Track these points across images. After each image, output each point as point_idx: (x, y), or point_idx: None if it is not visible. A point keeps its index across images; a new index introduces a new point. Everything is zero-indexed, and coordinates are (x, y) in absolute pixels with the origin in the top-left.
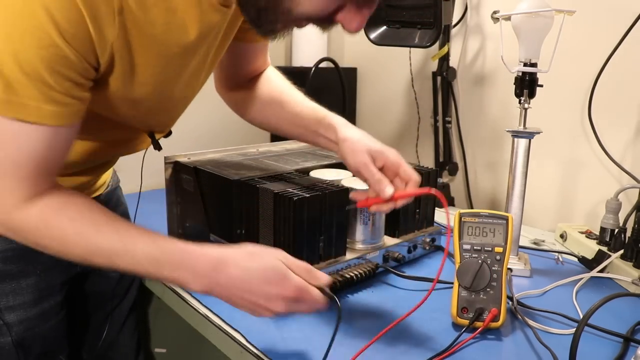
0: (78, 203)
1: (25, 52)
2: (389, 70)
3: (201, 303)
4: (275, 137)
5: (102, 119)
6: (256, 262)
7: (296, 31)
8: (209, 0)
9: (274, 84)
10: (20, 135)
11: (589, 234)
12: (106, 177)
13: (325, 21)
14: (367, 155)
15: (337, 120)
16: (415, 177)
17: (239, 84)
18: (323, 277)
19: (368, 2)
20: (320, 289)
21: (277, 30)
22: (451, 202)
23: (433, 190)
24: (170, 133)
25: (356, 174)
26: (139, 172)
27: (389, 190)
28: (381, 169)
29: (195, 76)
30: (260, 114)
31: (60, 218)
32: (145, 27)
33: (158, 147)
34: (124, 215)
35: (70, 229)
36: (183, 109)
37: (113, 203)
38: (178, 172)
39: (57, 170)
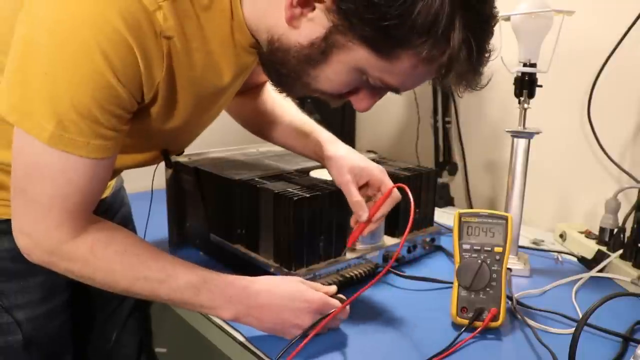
0: (123, 237)
1: (82, 94)
2: None
3: None
4: None
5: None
6: (281, 286)
7: None
8: (241, 44)
9: (268, 93)
10: (69, 169)
11: (588, 234)
12: (112, 180)
13: (337, 98)
14: (350, 174)
15: (325, 137)
16: (396, 195)
17: (240, 92)
18: (331, 288)
19: (381, 90)
20: (334, 297)
21: (294, 94)
22: (451, 202)
23: (399, 185)
24: (183, 152)
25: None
26: (140, 171)
27: (363, 216)
28: (366, 185)
29: (221, 108)
30: (253, 120)
31: (108, 252)
32: (186, 69)
33: (170, 165)
34: (127, 215)
35: (117, 261)
36: (201, 133)
37: (118, 204)
38: (178, 172)
39: (97, 201)
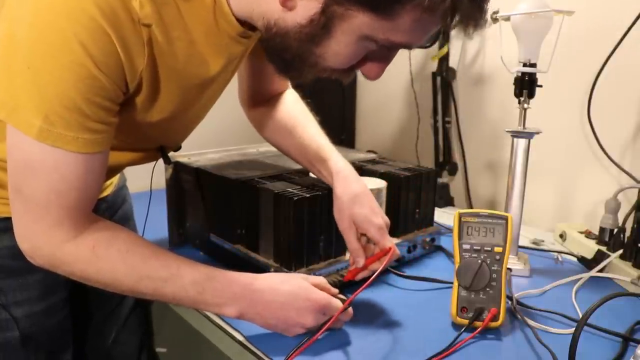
0: (124, 237)
1: (65, 86)
2: (388, 71)
3: None
4: None
5: (115, 139)
6: (285, 283)
7: None
8: (228, 34)
9: (288, 109)
10: (61, 164)
11: (588, 234)
12: (114, 178)
13: (347, 72)
14: (349, 222)
15: (337, 167)
16: (394, 253)
17: (259, 101)
18: (333, 289)
19: (390, 53)
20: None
21: (303, 79)
22: (451, 202)
23: (389, 248)
24: (180, 147)
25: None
26: (141, 171)
27: (360, 262)
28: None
29: (211, 100)
30: (273, 136)
31: (111, 252)
32: (169, 58)
33: (168, 161)
34: (128, 213)
35: (120, 261)
36: (195, 127)
37: (119, 202)
38: (178, 172)
39: (95, 198)
